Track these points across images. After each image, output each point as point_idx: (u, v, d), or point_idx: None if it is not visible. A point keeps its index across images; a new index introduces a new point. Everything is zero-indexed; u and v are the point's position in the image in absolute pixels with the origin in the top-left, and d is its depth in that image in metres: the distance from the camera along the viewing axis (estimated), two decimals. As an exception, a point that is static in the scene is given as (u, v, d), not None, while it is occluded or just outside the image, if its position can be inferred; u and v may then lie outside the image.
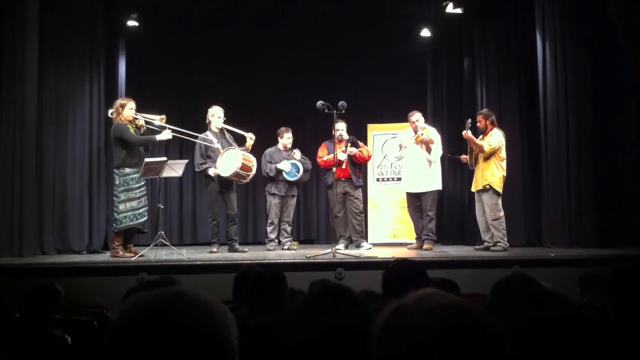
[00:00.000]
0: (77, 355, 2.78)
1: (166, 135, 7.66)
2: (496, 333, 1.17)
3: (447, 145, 9.07)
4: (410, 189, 8.68)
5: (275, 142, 8.97)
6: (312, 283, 3.63)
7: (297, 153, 8.86)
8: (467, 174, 8.74)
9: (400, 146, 8.72)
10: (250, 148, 8.35)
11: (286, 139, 8.92)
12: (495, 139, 8.04)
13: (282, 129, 8.98)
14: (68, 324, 3.20)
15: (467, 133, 8.01)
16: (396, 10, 9.63)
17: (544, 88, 8.55)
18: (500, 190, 8.04)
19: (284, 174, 8.74)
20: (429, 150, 8.44)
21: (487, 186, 8.02)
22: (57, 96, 8.34)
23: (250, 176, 8.21)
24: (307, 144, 9.72)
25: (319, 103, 7.62)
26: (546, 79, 8.53)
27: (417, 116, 8.60)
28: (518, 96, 9.17)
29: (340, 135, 8.52)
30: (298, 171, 8.78)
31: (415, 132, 8.52)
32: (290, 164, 8.78)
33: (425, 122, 8.79)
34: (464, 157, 8.38)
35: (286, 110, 10.39)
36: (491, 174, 8.02)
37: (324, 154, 8.74)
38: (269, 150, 8.84)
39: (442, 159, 8.77)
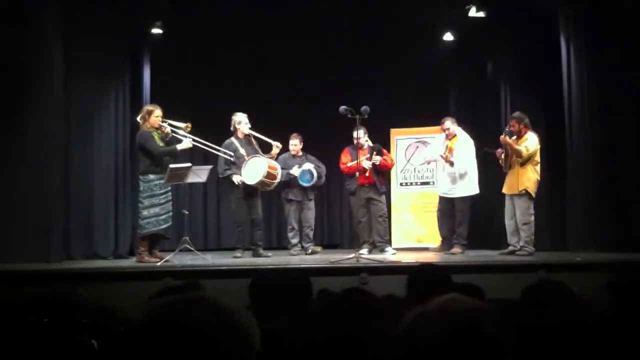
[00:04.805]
0: (104, 358, 2.79)
1: (186, 144, 7.67)
2: (518, 340, 1.16)
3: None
4: (444, 192, 8.65)
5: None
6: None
7: (308, 164, 8.84)
8: (493, 177, 8.66)
9: (429, 161, 8.84)
10: (275, 156, 8.38)
11: (291, 145, 8.93)
12: (531, 142, 7.93)
13: (292, 135, 8.99)
14: (94, 329, 3.21)
15: (506, 137, 7.93)
16: (419, 14, 9.60)
17: (569, 91, 8.47)
18: (534, 194, 7.96)
19: (298, 180, 8.75)
20: (451, 165, 8.41)
21: (523, 191, 7.93)
22: (83, 103, 8.45)
23: (274, 184, 8.25)
24: (327, 149, 9.68)
25: (342, 108, 7.62)
26: (571, 81, 8.45)
27: (447, 124, 8.56)
28: (542, 99, 9.09)
29: (359, 142, 8.47)
30: (312, 177, 8.77)
31: (447, 138, 8.51)
32: (301, 170, 8.77)
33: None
34: (500, 152, 8.24)
35: (308, 115, 10.35)
36: (527, 178, 7.92)
37: (347, 160, 8.71)
38: (282, 157, 8.84)
39: (478, 157, 8.68)
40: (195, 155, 9.17)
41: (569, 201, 8.53)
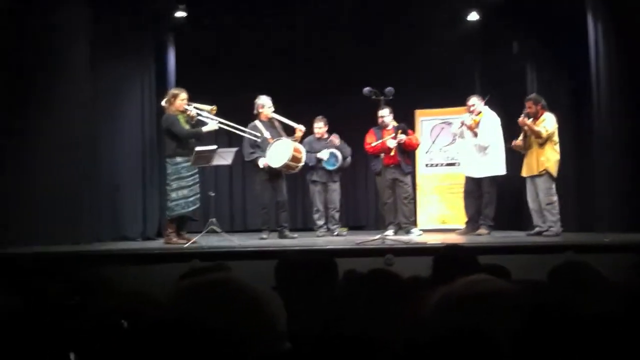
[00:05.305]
0: (133, 339, 2.84)
1: (212, 126, 7.70)
2: (539, 321, 1.16)
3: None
4: (470, 173, 8.60)
5: (315, 131, 9.03)
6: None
7: (334, 140, 8.83)
8: (520, 158, 8.60)
9: (454, 135, 8.75)
10: (299, 139, 8.39)
11: (316, 128, 8.95)
12: (549, 123, 7.89)
13: (316, 118, 8.99)
14: (123, 310, 3.26)
15: (524, 119, 7.90)
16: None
17: (596, 70, 8.35)
18: (555, 174, 7.91)
19: (323, 164, 8.76)
20: (475, 135, 8.37)
21: (543, 171, 7.88)
22: (110, 88, 8.51)
23: (299, 167, 8.29)
24: (351, 130, 9.65)
25: (366, 89, 7.60)
26: (598, 60, 8.33)
27: (472, 100, 8.50)
28: (568, 79, 8.97)
29: (383, 121, 8.44)
30: (337, 160, 8.78)
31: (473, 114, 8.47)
32: (329, 152, 8.78)
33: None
34: (515, 144, 8.21)
35: (332, 96, 10.32)
36: (547, 158, 7.88)
37: (372, 140, 8.68)
38: (307, 139, 8.85)
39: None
40: (220, 138, 9.22)
41: (596, 182, 8.43)
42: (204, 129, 7.67)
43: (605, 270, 2.99)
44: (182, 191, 7.53)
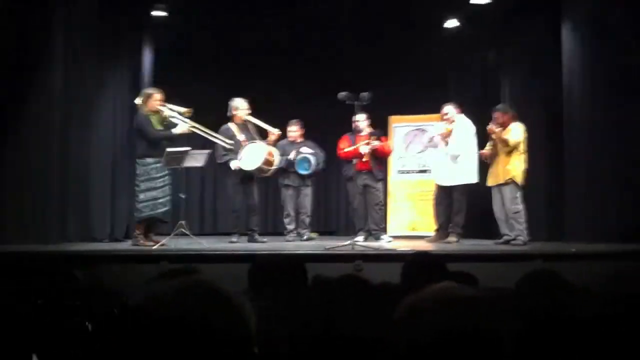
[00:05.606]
0: (98, 342, 2.80)
1: (182, 127, 7.63)
2: (508, 328, 1.17)
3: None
4: (441, 181, 8.64)
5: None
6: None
7: (305, 148, 8.85)
8: (485, 167, 8.67)
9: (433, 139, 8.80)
10: (273, 143, 8.36)
11: (289, 131, 8.94)
12: (517, 132, 7.99)
13: (290, 122, 8.99)
14: (88, 311, 3.22)
15: (493, 127, 7.98)
16: (420, 1, 9.58)
17: (569, 80, 8.47)
18: (521, 184, 8.00)
19: (296, 168, 8.75)
20: (446, 144, 8.43)
21: (509, 180, 7.96)
22: (83, 85, 8.40)
23: (271, 171, 8.28)
24: (326, 135, 9.68)
25: (341, 94, 7.61)
26: (571, 70, 8.46)
27: (447, 108, 8.54)
28: (542, 88, 9.09)
29: (358, 126, 8.45)
30: (310, 165, 8.78)
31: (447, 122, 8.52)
32: (300, 157, 8.77)
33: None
34: (482, 153, 8.31)
35: (307, 101, 10.33)
36: (513, 167, 7.97)
37: (345, 146, 8.71)
38: (281, 143, 8.83)
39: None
40: (194, 140, 9.16)
41: (565, 192, 8.54)
42: (174, 131, 7.61)
43: (572, 279, 3.02)
44: (151, 192, 7.46)
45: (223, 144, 8.15)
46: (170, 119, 7.63)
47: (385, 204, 9.21)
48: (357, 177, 8.46)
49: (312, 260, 6.05)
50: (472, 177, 8.48)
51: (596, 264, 6.02)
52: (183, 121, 7.62)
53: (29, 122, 7.65)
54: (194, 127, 7.78)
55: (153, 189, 7.46)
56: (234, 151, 8.20)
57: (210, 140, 8.45)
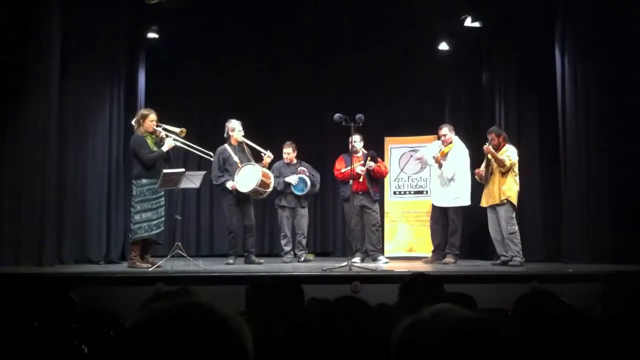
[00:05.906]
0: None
1: (168, 143, 7.61)
2: (509, 348, 1.16)
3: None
4: (437, 202, 8.66)
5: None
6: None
7: (303, 169, 8.87)
8: (480, 188, 8.68)
9: (420, 158, 8.82)
10: (266, 165, 8.37)
11: (285, 153, 8.94)
12: (511, 153, 8.06)
13: (285, 143, 9.00)
14: (85, 333, 3.21)
15: (489, 147, 8.01)
16: (415, 23, 9.65)
17: (563, 101, 8.53)
18: (516, 204, 8.02)
19: (292, 188, 8.76)
20: (440, 166, 8.45)
21: (505, 200, 7.99)
22: (78, 106, 8.40)
23: (267, 193, 8.28)
24: (322, 157, 9.71)
25: (337, 116, 7.64)
26: (565, 91, 8.51)
27: (444, 130, 8.58)
28: (536, 110, 9.13)
29: (354, 147, 8.47)
30: (306, 185, 8.78)
31: (443, 144, 8.54)
32: (297, 177, 8.78)
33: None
34: (478, 172, 8.34)
35: (303, 123, 10.37)
36: (509, 188, 8.01)
37: (341, 167, 8.72)
38: (276, 165, 8.84)
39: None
40: (189, 161, 9.17)
41: (562, 213, 8.56)
42: (163, 148, 7.61)
43: (570, 299, 3.02)
44: (146, 214, 7.45)
45: (209, 158, 8.18)
46: (167, 138, 7.64)
47: (382, 225, 9.20)
48: (354, 198, 8.46)
49: (310, 281, 6.06)
50: (465, 200, 8.50)
51: (593, 284, 6.03)
52: (176, 140, 7.64)
53: (24, 143, 7.65)
54: (186, 145, 7.80)
55: (148, 210, 7.46)
56: (230, 172, 8.20)
57: (206, 162, 8.46)
